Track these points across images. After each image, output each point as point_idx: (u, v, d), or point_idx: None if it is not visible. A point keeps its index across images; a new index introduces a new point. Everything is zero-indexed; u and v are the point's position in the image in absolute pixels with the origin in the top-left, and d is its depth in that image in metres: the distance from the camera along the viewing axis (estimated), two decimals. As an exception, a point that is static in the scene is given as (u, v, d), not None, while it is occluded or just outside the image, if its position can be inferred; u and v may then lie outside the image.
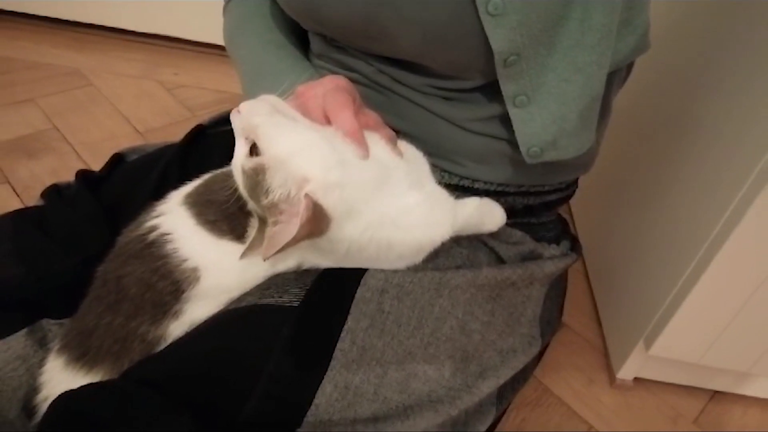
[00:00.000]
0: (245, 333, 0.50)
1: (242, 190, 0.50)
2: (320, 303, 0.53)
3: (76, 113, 1.35)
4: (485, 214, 0.64)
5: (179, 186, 0.59)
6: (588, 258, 1.10)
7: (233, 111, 0.50)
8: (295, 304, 0.52)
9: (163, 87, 1.51)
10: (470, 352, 0.61)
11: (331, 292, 0.54)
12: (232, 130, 0.81)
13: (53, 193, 0.64)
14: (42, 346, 0.53)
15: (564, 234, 0.79)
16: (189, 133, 0.76)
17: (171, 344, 0.51)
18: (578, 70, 0.56)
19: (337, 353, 0.51)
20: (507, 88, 0.57)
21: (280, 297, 0.53)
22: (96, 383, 0.47)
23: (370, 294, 0.55)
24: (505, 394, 0.68)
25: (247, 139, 0.49)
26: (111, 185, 0.68)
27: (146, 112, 1.40)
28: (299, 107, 0.52)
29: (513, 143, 0.61)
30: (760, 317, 0.73)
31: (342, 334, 0.52)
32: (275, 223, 0.47)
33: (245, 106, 0.49)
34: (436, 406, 0.56)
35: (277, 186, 0.47)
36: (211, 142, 0.76)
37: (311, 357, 0.50)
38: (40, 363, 0.53)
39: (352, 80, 0.59)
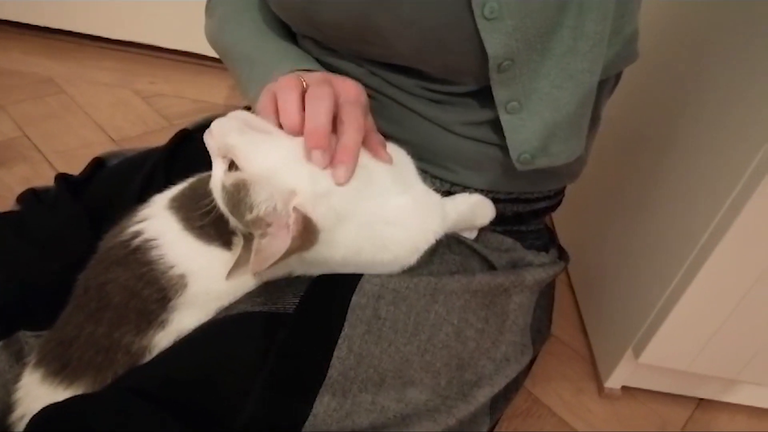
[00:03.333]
0: (239, 339, 0.48)
1: (223, 208, 0.49)
2: (315, 309, 0.51)
3: (48, 121, 1.31)
4: (476, 208, 0.64)
5: (164, 190, 0.57)
6: (571, 268, 1.10)
7: (205, 133, 0.48)
8: (290, 310, 0.50)
9: (139, 96, 1.47)
10: (465, 360, 0.60)
11: (326, 299, 0.52)
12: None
13: (30, 197, 0.61)
14: (18, 360, 0.50)
15: (551, 242, 0.79)
16: (174, 136, 0.73)
17: (162, 352, 0.48)
18: (570, 76, 0.56)
19: (334, 361, 0.49)
20: (499, 94, 0.56)
21: (274, 304, 0.51)
22: (84, 395, 0.44)
23: (365, 300, 0.53)
24: (497, 405, 0.67)
25: (224, 158, 0.48)
26: (93, 189, 0.65)
27: (122, 120, 1.36)
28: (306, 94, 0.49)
29: (504, 148, 0.61)
30: (749, 322, 0.73)
31: (339, 341, 0.50)
32: (263, 236, 0.45)
33: (216, 126, 0.48)
34: (434, 416, 0.55)
35: (261, 201, 0.45)
36: (196, 146, 0.74)
37: (308, 364, 0.48)
38: (16, 379, 0.49)
39: None
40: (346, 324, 0.51)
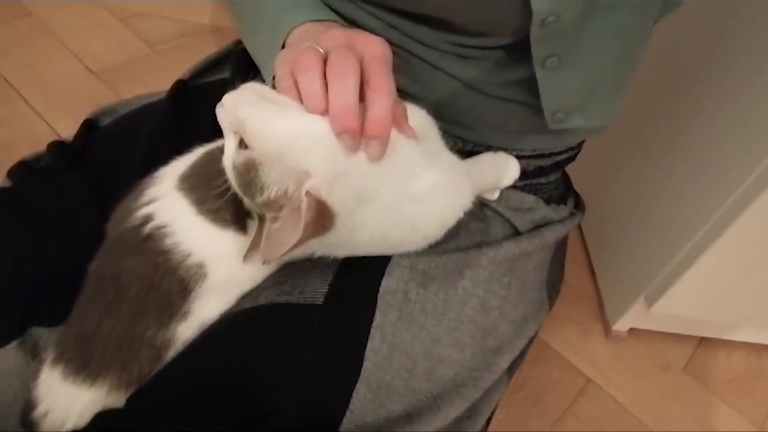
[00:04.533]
0: (270, 338, 0.46)
1: (235, 187, 0.45)
2: (345, 299, 0.49)
3: (18, 50, 1.19)
4: (501, 169, 0.61)
5: (169, 156, 0.53)
6: (581, 208, 1.08)
7: (217, 106, 0.43)
8: (319, 301, 0.48)
9: (115, 16, 1.34)
10: (488, 329, 0.59)
11: (355, 286, 0.50)
12: (216, 81, 0.74)
13: (23, 171, 0.56)
14: (34, 356, 0.48)
15: (568, 190, 0.77)
16: (170, 91, 0.67)
17: (190, 350, 0.46)
18: (618, 32, 0.51)
19: (368, 353, 0.48)
20: (538, 50, 0.51)
21: (301, 294, 0.49)
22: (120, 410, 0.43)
23: (395, 284, 0.51)
24: (515, 365, 0.68)
25: (235, 133, 0.43)
26: (90, 158, 0.60)
27: (99, 46, 1.25)
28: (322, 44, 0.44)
29: (535, 108, 0.57)
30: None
31: (371, 332, 0.48)
32: (274, 220, 0.42)
33: (228, 99, 0.43)
34: (462, 391, 0.55)
35: (272, 182, 0.41)
36: (195, 99, 0.68)
37: (343, 361, 0.47)
38: (35, 375, 0.47)
39: None
40: (377, 312, 0.49)
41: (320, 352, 0.45)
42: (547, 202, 0.70)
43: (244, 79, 0.66)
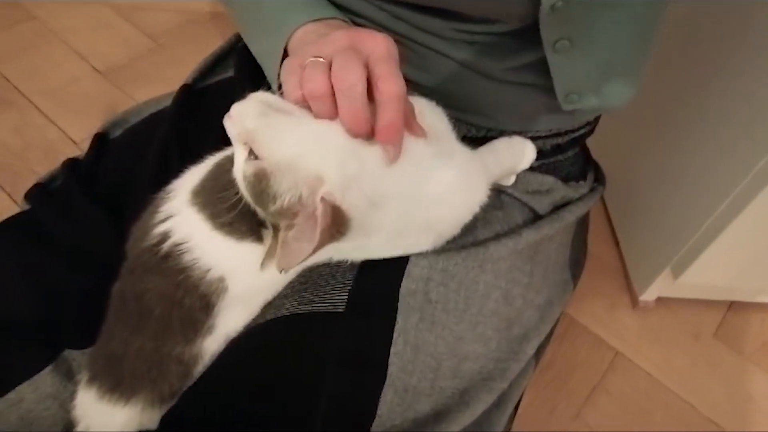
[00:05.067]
0: (295, 350, 0.46)
1: (247, 197, 0.44)
2: (366, 305, 0.49)
3: (24, 55, 1.19)
4: (517, 154, 0.60)
5: (181, 165, 0.52)
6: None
7: (225, 117, 0.43)
8: (340, 309, 0.48)
9: (118, 13, 1.33)
10: (513, 319, 0.59)
11: (374, 291, 0.50)
12: (221, 82, 0.73)
13: (40, 194, 0.56)
14: (70, 378, 0.49)
15: (587, 164, 0.75)
16: (176, 97, 0.67)
17: (218, 371, 0.47)
18: (631, 13, 0.49)
19: (392, 358, 0.48)
20: (548, 33, 0.49)
21: (322, 302, 0.49)
22: None
23: (415, 285, 0.51)
24: (542, 346, 0.67)
25: (245, 144, 0.42)
26: (102, 173, 0.60)
27: (104, 45, 1.24)
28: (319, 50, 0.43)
29: (548, 89, 0.55)
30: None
31: (394, 336, 0.48)
32: (289, 228, 0.41)
33: (236, 110, 0.42)
34: (489, 384, 0.55)
35: (285, 190, 0.40)
36: (201, 103, 0.68)
37: (368, 369, 0.47)
38: (72, 396, 0.49)
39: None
40: (398, 316, 0.49)
41: (345, 361, 0.46)
42: (566, 179, 0.68)
43: (248, 77, 0.66)
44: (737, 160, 0.70)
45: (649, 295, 0.89)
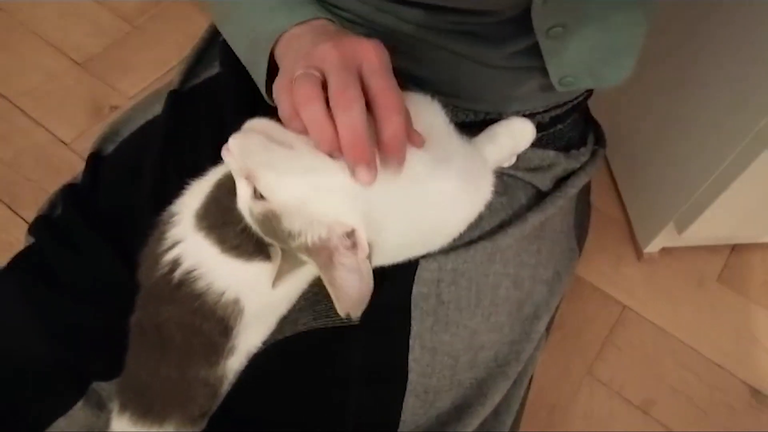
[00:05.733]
0: (314, 369, 0.48)
1: (257, 230, 0.44)
2: (379, 315, 0.49)
3: (-2, 55, 1.15)
4: (517, 137, 0.59)
5: (178, 181, 0.52)
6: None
7: (223, 148, 0.41)
8: (355, 322, 0.49)
9: (85, -4, 1.27)
10: (523, 300, 0.60)
11: (386, 299, 0.50)
12: (207, 81, 0.70)
13: (43, 227, 0.56)
14: (101, 408, 0.51)
15: (587, 126, 0.74)
16: (165, 104, 0.65)
17: (243, 394, 0.49)
18: None
19: (411, 364, 0.49)
20: (541, 22, 0.49)
21: (337, 315, 0.50)
22: None
23: (427, 289, 0.52)
24: (552, 321, 0.69)
25: (247, 179, 0.42)
26: (100, 196, 0.60)
27: (77, 33, 1.19)
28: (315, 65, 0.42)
29: (545, 70, 0.54)
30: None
31: (410, 343, 0.50)
32: (326, 265, 0.42)
33: (235, 145, 0.41)
34: (505, 370, 0.57)
35: (301, 230, 0.41)
36: (191, 108, 0.66)
37: (389, 382, 0.48)
38: (106, 424, 0.51)
39: (345, 23, 0.48)
40: (413, 322, 0.50)
41: (366, 378, 0.47)
42: (567, 148, 0.68)
43: (233, 73, 0.63)
44: (743, 115, 0.69)
45: (653, 247, 0.90)
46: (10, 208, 0.94)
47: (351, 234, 0.40)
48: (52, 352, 0.50)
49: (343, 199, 0.41)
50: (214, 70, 0.70)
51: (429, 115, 0.50)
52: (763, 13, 0.66)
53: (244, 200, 0.44)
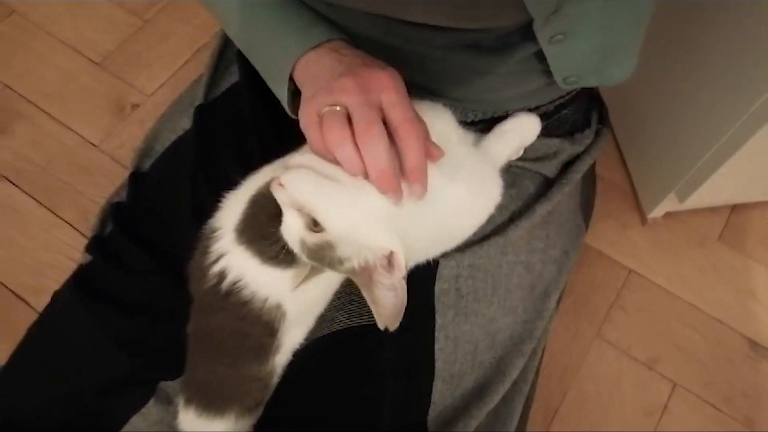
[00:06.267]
0: (350, 365, 0.54)
1: (302, 256, 0.49)
2: (407, 317, 0.55)
3: (15, 57, 1.19)
4: (523, 132, 0.63)
5: (212, 195, 0.57)
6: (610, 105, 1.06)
7: (273, 183, 0.46)
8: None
9: (93, -9, 1.29)
10: (535, 281, 0.65)
11: (413, 297, 0.56)
12: (228, 92, 0.74)
13: (97, 248, 0.62)
14: (170, 403, 0.58)
15: (591, 104, 0.77)
16: (194, 120, 0.69)
17: (290, 392, 0.55)
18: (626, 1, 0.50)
19: (437, 354, 0.55)
20: (543, 33, 0.51)
21: (369, 314, 0.56)
22: None
23: (447, 284, 0.57)
24: (563, 290, 0.75)
25: (299, 211, 0.46)
26: (143, 214, 0.65)
27: (89, 30, 1.22)
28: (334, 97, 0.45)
29: (550, 72, 0.57)
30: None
31: (436, 335, 0.55)
32: (368, 285, 0.47)
33: (288, 181, 0.45)
34: (521, 348, 0.62)
35: (350, 255, 0.46)
36: (217, 122, 0.70)
37: (418, 372, 0.54)
38: (175, 416, 0.58)
39: (357, 44, 0.52)
40: (437, 316, 0.56)
41: (398, 373, 0.53)
42: (572, 132, 0.71)
43: (253, 83, 0.67)
44: (747, 84, 0.71)
45: (657, 213, 0.95)
46: (52, 212, 1.01)
47: (389, 255, 0.45)
48: (123, 361, 0.56)
49: (384, 224, 0.45)
50: (233, 77, 0.73)
51: (441, 123, 0.54)
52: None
53: (294, 230, 0.48)
